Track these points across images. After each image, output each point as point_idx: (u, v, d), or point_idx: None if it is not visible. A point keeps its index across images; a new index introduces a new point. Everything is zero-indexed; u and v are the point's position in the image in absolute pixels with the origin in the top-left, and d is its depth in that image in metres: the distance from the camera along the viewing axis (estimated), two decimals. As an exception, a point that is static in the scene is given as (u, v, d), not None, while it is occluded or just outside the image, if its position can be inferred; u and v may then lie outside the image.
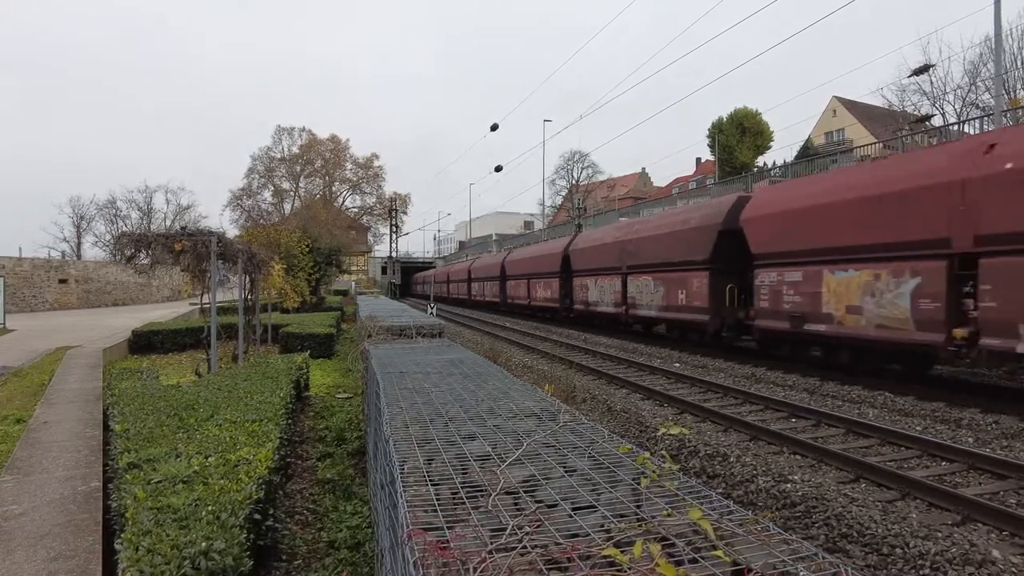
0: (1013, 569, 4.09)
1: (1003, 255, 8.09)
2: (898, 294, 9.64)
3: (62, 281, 31.23)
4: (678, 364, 13.38)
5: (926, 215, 9.13)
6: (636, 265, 17.89)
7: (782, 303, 11.96)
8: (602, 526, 1.70)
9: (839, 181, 11.45)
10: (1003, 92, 21.71)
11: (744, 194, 14.87)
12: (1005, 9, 16.41)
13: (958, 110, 33.26)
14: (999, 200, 8.12)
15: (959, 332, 8.65)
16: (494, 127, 37.80)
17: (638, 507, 1.87)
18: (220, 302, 12.61)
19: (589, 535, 1.62)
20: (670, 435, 7.29)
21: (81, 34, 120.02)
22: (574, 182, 71.84)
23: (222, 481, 3.47)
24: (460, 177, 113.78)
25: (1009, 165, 8.08)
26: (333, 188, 67.76)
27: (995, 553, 4.24)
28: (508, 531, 1.61)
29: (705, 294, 14.38)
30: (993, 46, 18.08)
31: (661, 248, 16.51)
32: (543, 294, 26.30)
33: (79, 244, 63.50)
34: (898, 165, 10.51)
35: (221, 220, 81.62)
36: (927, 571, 4.18)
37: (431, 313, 21.92)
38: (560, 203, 72.36)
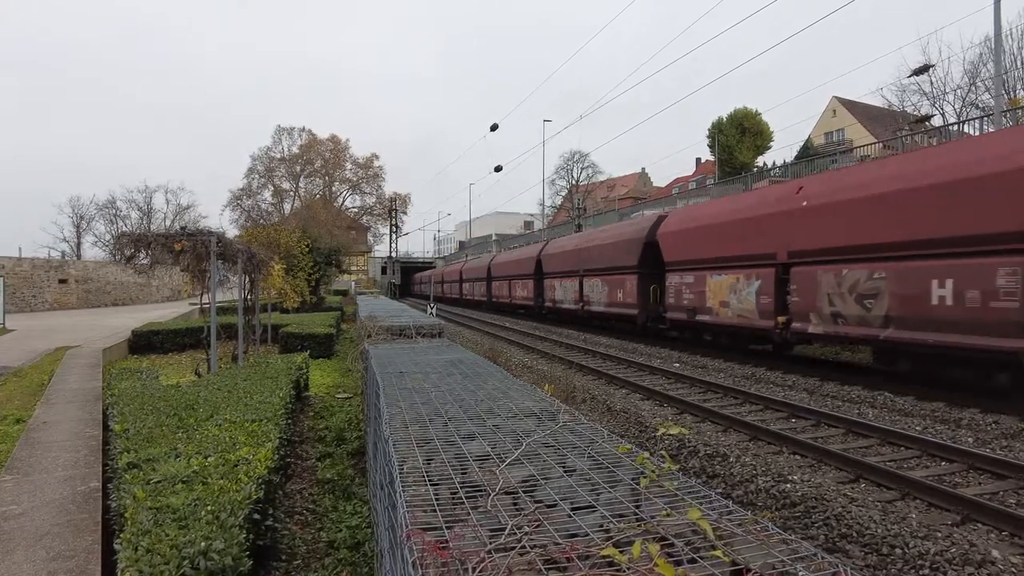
0: (1013, 569, 4.09)
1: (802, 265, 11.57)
2: (749, 292, 12.99)
3: (62, 281, 31.22)
4: (677, 364, 13.38)
5: (763, 235, 12.63)
6: (589, 269, 21.28)
7: (682, 299, 15.46)
8: (601, 526, 1.70)
9: (716, 208, 15.09)
10: (1003, 92, 21.71)
11: (663, 213, 18.60)
12: (1005, 9, 16.42)
13: (958, 110, 33.27)
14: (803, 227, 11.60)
15: (780, 319, 12.00)
16: (494, 127, 37.77)
17: (637, 507, 1.87)
18: (220, 302, 12.61)
19: (588, 535, 1.62)
20: (669, 435, 7.30)
21: (81, 34, 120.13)
22: (574, 182, 71.84)
23: (221, 481, 3.47)
24: (460, 177, 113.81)
25: (805, 203, 11.54)
26: (333, 188, 67.76)
27: (995, 553, 4.24)
28: (507, 531, 1.61)
29: (635, 292, 17.90)
30: (993, 46, 18.08)
31: (605, 255, 19.95)
32: (521, 293, 29.68)
33: (79, 244, 63.56)
34: (752, 197, 14.49)
35: (221, 220, 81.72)
36: (927, 571, 4.18)
37: (431, 313, 21.91)
38: (560, 203, 72.35)
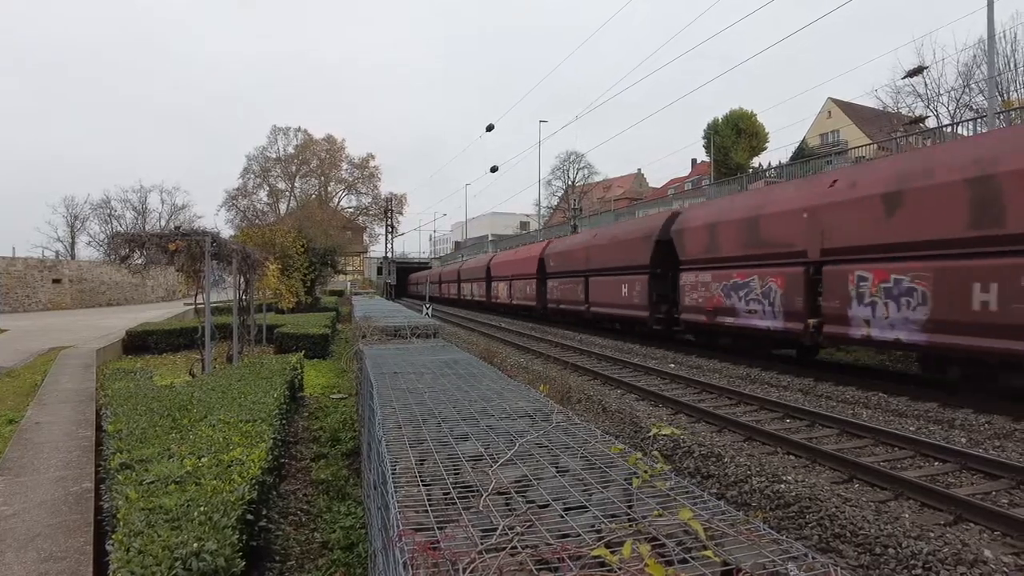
0: (1004, 569, 4.11)
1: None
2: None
3: (56, 281, 31.07)
4: (673, 365, 13.40)
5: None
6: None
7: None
8: (593, 526, 1.70)
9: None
10: (996, 94, 21.82)
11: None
12: (998, 11, 16.51)
13: (952, 112, 33.41)
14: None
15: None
16: (490, 128, 37.77)
17: (629, 507, 1.87)
18: (215, 302, 12.57)
19: (580, 535, 1.62)
20: (662, 435, 7.31)
21: (81, 34, 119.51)
22: (570, 183, 71.91)
23: (215, 482, 3.46)
24: (457, 177, 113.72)
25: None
26: (329, 188, 67.71)
27: (987, 553, 4.26)
28: (499, 531, 1.60)
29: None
30: (986, 48, 18.19)
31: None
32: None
33: (73, 244, 63.29)
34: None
35: (216, 220, 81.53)
36: (919, 571, 4.20)
37: (426, 314, 21.90)
38: (556, 204, 72.42)
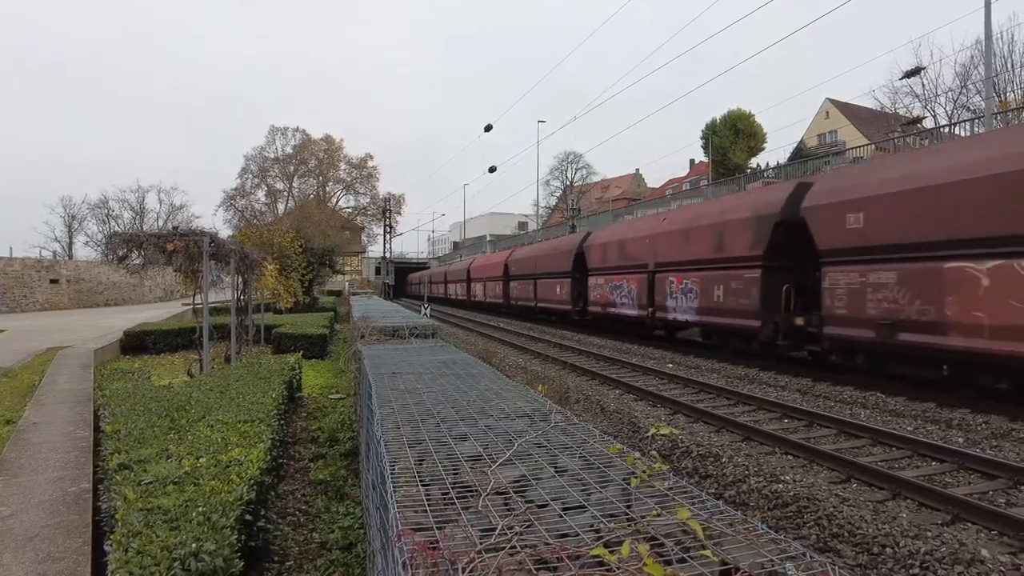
0: (1002, 568, 4.12)
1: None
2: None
3: (53, 281, 31.00)
4: (671, 365, 13.41)
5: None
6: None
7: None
8: (592, 526, 1.71)
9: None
10: (993, 95, 21.88)
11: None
12: (996, 12, 16.55)
13: (949, 112, 33.52)
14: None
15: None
16: (488, 128, 37.77)
17: (628, 507, 1.88)
18: (213, 302, 12.55)
19: (579, 535, 1.62)
20: (661, 435, 7.32)
21: (81, 34, 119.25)
22: (568, 183, 71.96)
23: (213, 482, 3.46)
24: (456, 178, 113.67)
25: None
26: (327, 188, 67.70)
27: (984, 552, 4.27)
28: (498, 531, 1.61)
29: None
30: (984, 49, 18.23)
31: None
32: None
33: (70, 244, 63.12)
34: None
35: (214, 220, 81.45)
36: (917, 570, 4.21)
37: (425, 314, 21.90)
38: (555, 204, 72.45)
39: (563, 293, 23.71)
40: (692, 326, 16.70)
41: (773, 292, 12.42)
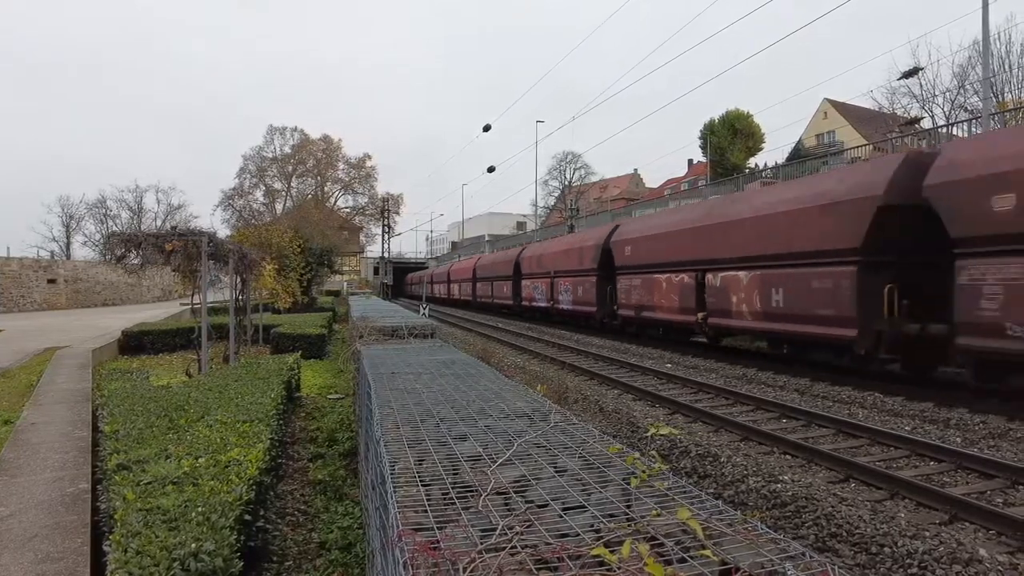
0: (999, 568, 4.13)
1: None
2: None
3: (51, 281, 30.95)
4: (669, 365, 13.42)
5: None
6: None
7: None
8: (592, 526, 1.71)
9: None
10: (991, 95, 21.91)
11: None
12: (993, 13, 16.59)
13: (947, 112, 33.56)
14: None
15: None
16: (486, 128, 37.78)
17: (628, 507, 1.88)
18: (211, 302, 12.54)
19: (579, 535, 1.63)
20: (660, 435, 7.31)
21: (81, 34, 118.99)
22: (567, 183, 71.98)
23: (212, 482, 3.46)
24: (455, 177, 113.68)
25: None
26: (325, 188, 67.63)
27: (982, 552, 4.28)
28: (498, 531, 1.61)
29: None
30: (981, 50, 18.27)
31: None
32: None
33: (68, 244, 62.93)
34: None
35: (212, 220, 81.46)
36: (915, 570, 4.22)
37: (423, 314, 21.89)
38: (554, 204, 72.47)
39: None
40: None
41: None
